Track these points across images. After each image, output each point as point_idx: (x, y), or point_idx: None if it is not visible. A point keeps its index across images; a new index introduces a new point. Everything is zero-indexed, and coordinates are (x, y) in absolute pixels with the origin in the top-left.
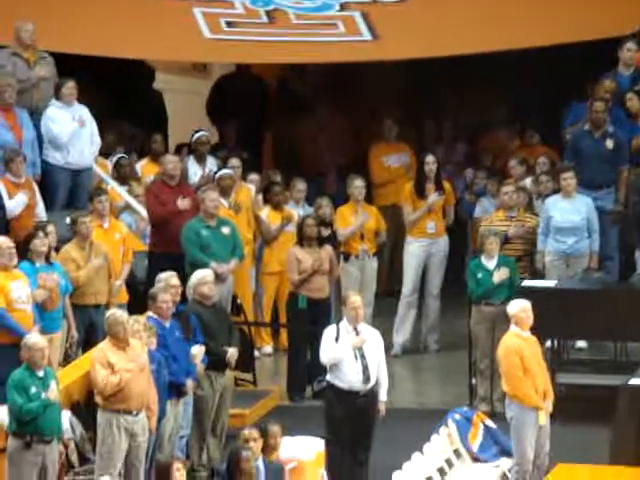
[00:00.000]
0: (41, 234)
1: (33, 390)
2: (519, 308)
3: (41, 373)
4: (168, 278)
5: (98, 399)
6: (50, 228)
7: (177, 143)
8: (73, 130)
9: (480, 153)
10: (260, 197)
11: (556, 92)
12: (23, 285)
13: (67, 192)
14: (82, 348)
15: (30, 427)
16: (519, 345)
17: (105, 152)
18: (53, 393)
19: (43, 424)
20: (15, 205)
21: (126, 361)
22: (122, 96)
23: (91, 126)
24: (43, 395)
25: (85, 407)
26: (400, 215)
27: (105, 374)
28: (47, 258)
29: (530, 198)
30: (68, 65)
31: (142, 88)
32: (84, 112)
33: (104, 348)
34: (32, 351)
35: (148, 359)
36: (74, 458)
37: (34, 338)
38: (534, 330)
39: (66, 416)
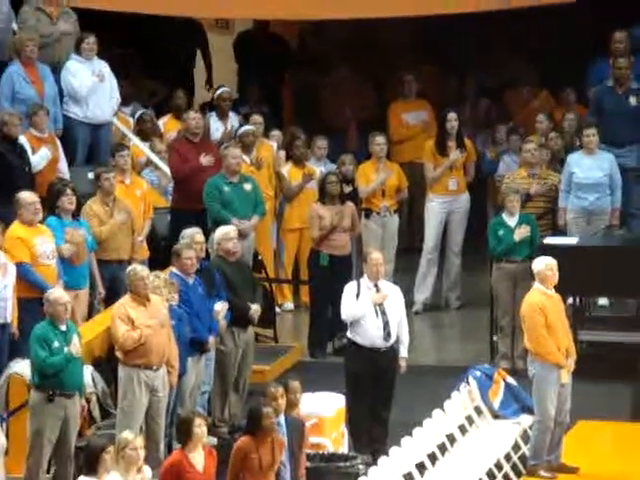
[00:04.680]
0: (69, 191)
1: (56, 344)
2: (544, 265)
3: (64, 327)
4: (193, 234)
5: (118, 354)
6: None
7: (201, 101)
8: (92, 84)
9: (503, 110)
10: (282, 153)
11: (580, 48)
12: (48, 240)
13: (87, 148)
14: (105, 303)
15: (52, 381)
16: (543, 303)
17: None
18: (75, 347)
19: (65, 378)
20: (39, 160)
21: (146, 316)
22: (145, 51)
23: (110, 81)
24: (66, 349)
25: (107, 362)
26: (417, 172)
27: (125, 329)
28: (73, 214)
29: (552, 155)
30: (91, 19)
31: (168, 44)
32: (104, 67)
33: (124, 303)
34: (55, 305)
35: (169, 315)
36: (96, 413)
37: (57, 292)
38: (556, 287)
39: (88, 371)
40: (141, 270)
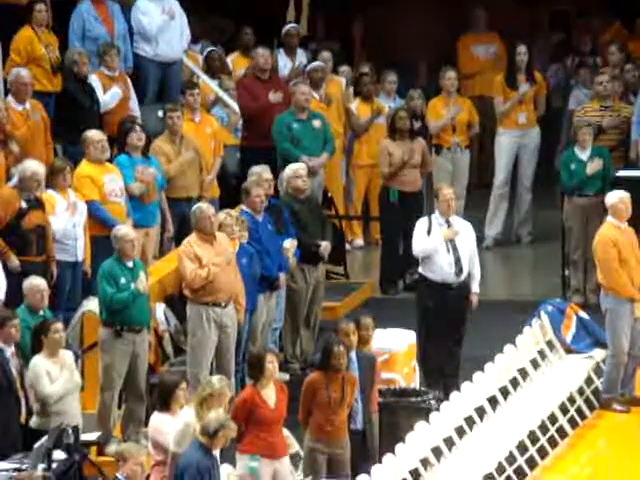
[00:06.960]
0: (138, 128)
1: (122, 280)
2: (617, 199)
3: (130, 264)
4: (261, 172)
5: (187, 292)
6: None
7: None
8: (162, 22)
9: (574, 42)
10: (351, 90)
11: None
12: (116, 178)
13: (157, 85)
14: (175, 241)
15: (120, 317)
16: (616, 236)
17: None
18: (142, 284)
19: (132, 314)
20: (109, 99)
21: (213, 254)
22: None
23: (181, 19)
24: (132, 286)
25: (179, 299)
26: (488, 106)
27: (193, 267)
28: (143, 152)
29: (625, 87)
30: None
31: None
32: (174, 4)
33: (191, 242)
34: (122, 242)
35: (239, 252)
36: (169, 349)
37: (124, 229)
38: (629, 221)
39: (160, 308)
40: (207, 208)
